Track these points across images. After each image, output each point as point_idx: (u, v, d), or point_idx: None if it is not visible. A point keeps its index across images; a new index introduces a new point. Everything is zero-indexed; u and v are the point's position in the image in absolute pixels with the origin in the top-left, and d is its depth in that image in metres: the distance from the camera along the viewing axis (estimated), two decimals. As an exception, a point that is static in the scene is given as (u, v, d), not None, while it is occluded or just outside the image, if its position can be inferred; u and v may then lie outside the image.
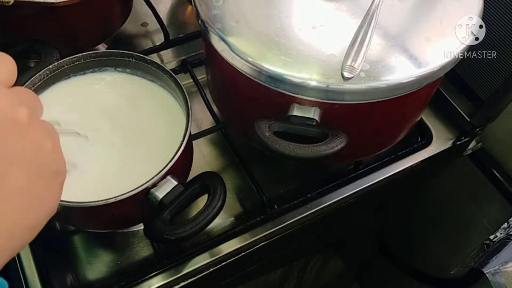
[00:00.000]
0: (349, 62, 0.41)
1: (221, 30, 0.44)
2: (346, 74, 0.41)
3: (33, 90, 0.48)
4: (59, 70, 0.50)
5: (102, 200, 0.41)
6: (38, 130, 0.27)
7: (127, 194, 0.41)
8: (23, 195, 0.25)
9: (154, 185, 0.43)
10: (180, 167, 0.46)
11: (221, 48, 0.44)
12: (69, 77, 0.51)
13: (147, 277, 0.51)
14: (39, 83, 0.49)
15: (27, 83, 0.48)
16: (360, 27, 0.43)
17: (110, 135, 0.48)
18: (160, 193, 0.43)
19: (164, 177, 0.44)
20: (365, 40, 0.42)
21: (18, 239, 0.25)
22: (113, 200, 0.41)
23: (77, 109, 0.50)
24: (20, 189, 0.25)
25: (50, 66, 0.49)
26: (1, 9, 0.48)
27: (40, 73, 0.49)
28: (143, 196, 0.43)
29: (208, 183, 0.45)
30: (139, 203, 0.44)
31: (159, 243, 0.52)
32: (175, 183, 0.44)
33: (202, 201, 0.44)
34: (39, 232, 0.27)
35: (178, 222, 0.43)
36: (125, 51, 0.51)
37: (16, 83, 0.28)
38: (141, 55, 0.51)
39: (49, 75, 0.50)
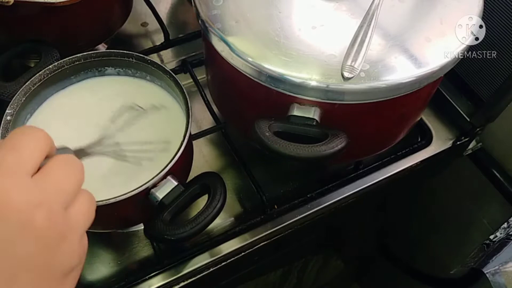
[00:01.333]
0: (349, 62, 0.41)
1: (221, 30, 0.44)
2: (346, 74, 0.41)
3: (33, 90, 0.48)
4: (59, 70, 0.50)
5: (102, 200, 0.41)
6: (58, 228, 0.24)
7: (127, 194, 0.41)
8: None
9: (154, 185, 0.43)
10: (180, 167, 0.46)
11: (221, 48, 0.44)
12: (70, 85, 0.52)
13: (147, 277, 0.51)
14: (39, 83, 0.49)
15: (27, 83, 0.48)
16: (360, 27, 0.43)
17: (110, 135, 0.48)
18: (160, 193, 0.43)
19: (164, 177, 0.44)
20: (365, 40, 0.42)
21: None
22: (113, 200, 0.41)
23: (77, 113, 0.50)
24: None
25: (50, 66, 0.49)
26: (1, 9, 0.48)
27: (40, 73, 0.49)
28: (144, 197, 0.43)
29: (208, 183, 0.45)
30: (140, 203, 0.44)
31: (159, 243, 0.52)
32: (175, 183, 0.44)
33: (203, 201, 0.44)
34: None
35: (178, 223, 0.43)
36: (125, 51, 0.51)
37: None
38: (141, 55, 0.51)
39: (49, 75, 0.49)
